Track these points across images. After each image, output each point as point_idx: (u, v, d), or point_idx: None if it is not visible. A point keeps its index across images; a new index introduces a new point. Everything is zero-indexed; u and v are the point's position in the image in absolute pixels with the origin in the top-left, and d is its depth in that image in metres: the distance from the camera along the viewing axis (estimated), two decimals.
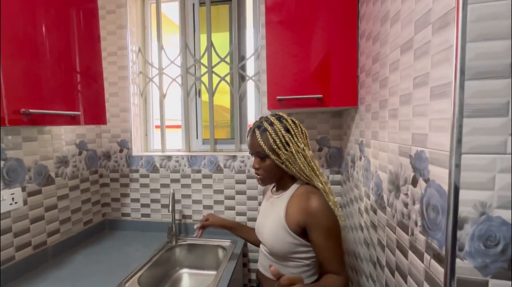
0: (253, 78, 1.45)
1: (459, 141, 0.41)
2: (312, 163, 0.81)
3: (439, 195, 0.46)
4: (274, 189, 0.91)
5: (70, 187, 1.31)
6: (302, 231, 0.76)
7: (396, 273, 0.64)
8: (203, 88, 1.53)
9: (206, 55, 1.49)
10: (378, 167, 0.77)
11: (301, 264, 0.79)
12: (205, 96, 1.55)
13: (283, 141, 0.77)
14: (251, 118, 1.51)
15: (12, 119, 0.75)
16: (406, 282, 0.59)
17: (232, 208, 1.42)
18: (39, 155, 1.15)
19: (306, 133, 0.85)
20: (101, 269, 1.11)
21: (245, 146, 1.50)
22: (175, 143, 1.62)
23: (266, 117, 0.83)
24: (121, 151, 1.51)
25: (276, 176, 0.84)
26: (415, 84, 0.54)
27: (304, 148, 0.80)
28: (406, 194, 0.58)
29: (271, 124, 0.79)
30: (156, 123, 1.63)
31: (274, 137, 0.77)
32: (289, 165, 0.79)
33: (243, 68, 1.48)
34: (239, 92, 1.48)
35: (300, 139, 0.80)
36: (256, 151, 0.81)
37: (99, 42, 1.12)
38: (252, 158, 1.35)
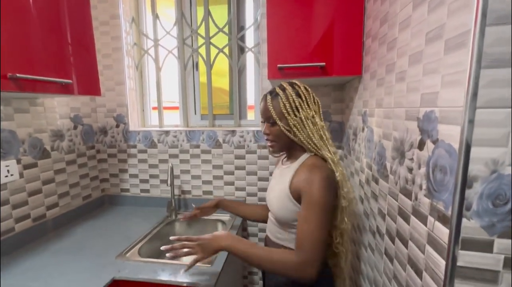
0: (252, 49, 1.39)
1: (475, 94, 0.38)
2: (322, 132, 0.78)
3: (448, 155, 0.43)
4: (285, 159, 0.89)
5: (67, 161, 1.29)
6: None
7: (396, 240, 0.64)
8: (200, 61, 1.47)
9: (203, 25, 1.42)
10: (381, 136, 0.74)
11: None
12: (203, 77, 1.49)
13: (293, 106, 0.75)
14: (251, 92, 1.47)
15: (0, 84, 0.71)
16: (406, 247, 0.58)
17: (231, 183, 1.41)
18: (33, 128, 1.12)
19: (319, 102, 0.81)
20: (101, 241, 1.12)
21: (244, 122, 1.47)
22: (173, 122, 1.58)
23: (280, 84, 0.80)
24: (117, 126, 1.48)
25: (286, 144, 0.81)
26: (428, 40, 0.50)
27: (315, 115, 0.77)
28: (411, 159, 0.56)
29: (283, 89, 0.77)
30: (153, 105, 1.58)
31: (285, 102, 0.75)
32: (297, 132, 0.76)
33: (242, 39, 1.42)
34: (238, 65, 1.42)
35: (311, 106, 0.77)
36: (266, 117, 0.79)
37: (89, 8, 1.05)
38: (249, 133, 1.33)
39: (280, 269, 0.68)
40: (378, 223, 0.77)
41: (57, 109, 1.23)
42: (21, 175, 1.06)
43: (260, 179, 1.38)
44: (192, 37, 1.47)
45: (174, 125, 1.56)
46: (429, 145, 0.49)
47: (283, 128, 0.77)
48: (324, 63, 0.92)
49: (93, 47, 1.07)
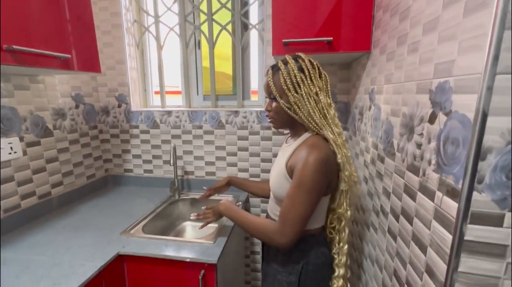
0: (256, 26, 1.34)
1: (496, 58, 0.36)
2: (325, 111, 0.74)
3: (461, 125, 0.41)
4: (289, 137, 0.87)
5: (70, 140, 1.29)
6: None
7: (401, 217, 0.63)
8: (203, 39, 1.43)
9: (205, 1, 1.36)
10: (389, 113, 0.72)
11: None
12: (205, 62, 1.45)
13: (294, 81, 0.71)
14: (254, 72, 1.43)
15: None
16: (411, 224, 0.57)
17: (234, 165, 1.41)
18: (34, 106, 1.11)
19: (327, 77, 0.76)
20: (106, 219, 1.13)
21: (247, 102, 1.44)
22: (175, 104, 1.56)
23: (284, 57, 0.76)
24: (119, 106, 1.46)
25: (287, 121, 0.78)
26: (445, 4, 0.46)
27: (319, 92, 0.72)
28: (421, 134, 0.54)
29: (286, 63, 0.73)
30: (155, 89, 1.55)
31: (285, 77, 0.71)
32: (298, 109, 0.72)
33: (246, 15, 1.36)
34: (242, 43, 1.38)
35: (315, 82, 0.72)
36: (268, 93, 0.77)
37: None
38: (253, 114, 1.31)
39: (259, 234, 0.75)
40: (382, 202, 0.76)
41: (57, 87, 1.22)
42: (24, 153, 1.07)
43: (263, 160, 1.37)
44: (194, 13, 1.41)
45: (177, 105, 1.53)
46: (441, 117, 0.47)
47: (283, 105, 0.74)
48: (331, 38, 0.88)
49: (92, 22, 1.03)
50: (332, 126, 0.74)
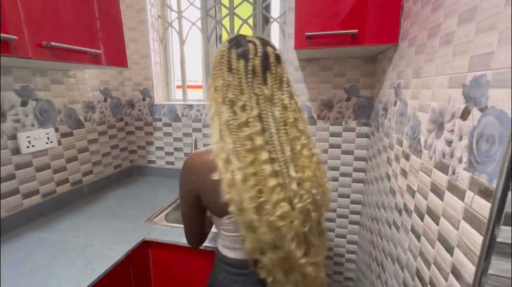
0: (278, 20, 1.32)
1: None
2: (224, 107, 0.55)
3: (498, 122, 0.39)
4: None
5: (99, 132, 1.36)
6: None
7: (426, 217, 0.61)
8: (224, 33, 1.43)
9: None
10: (417, 109, 0.69)
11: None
12: None
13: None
14: None
15: (35, 51, 0.74)
16: (437, 223, 0.55)
17: None
18: (67, 99, 1.18)
19: (256, 63, 0.56)
20: (131, 207, 1.19)
21: None
22: (196, 98, 1.59)
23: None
24: (143, 99, 1.52)
25: None
26: None
27: (220, 86, 0.57)
28: (452, 131, 0.52)
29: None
30: (177, 83, 1.59)
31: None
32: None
33: (267, 8, 1.35)
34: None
35: (224, 71, 0.57)
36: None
37: None
38: None
39: None
40: (406, 200, 0.74)
41: (87, 82, 1.28)
42: (59, 143, 1.15)
43: None
44: (215, 7, 1.42)
45: (197, 99, 1.57)
46: (475, 113, 0.45)
47: None
48: (356, 30, 0.85)
49: (120, 18, 1.07)
50: (222, 131, 0.55)
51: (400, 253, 0.76)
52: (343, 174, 1.32)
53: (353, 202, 1.35)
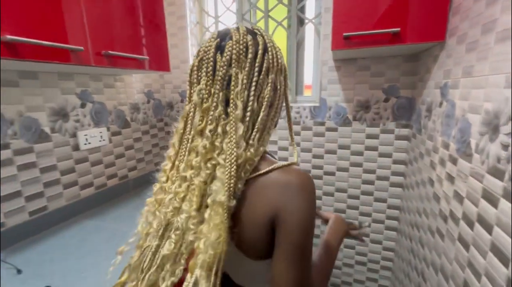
0: (313, 20, 1.32)
1: None
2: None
3: None
4: None
5: (142, 131, 1.48)
6: None
7: (477, 225, 0.57)
8: None
9: None
10: (466, 110, 0.65)
11: None
12: None
13: None
14: (309, 67, 1.41)
15: (96, 59, 0.83)
16: (490, 233, 0.52)
17: (285, 159, 1.43)
18: (117, 101, 1.30)
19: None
20: None
21: (301, 97, 1.44)
22: None
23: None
24: (182, 101, 1.61)
25: None
26: None
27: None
28: (508, 134, 0.48)
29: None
30: None
31: None
32: None
33: (302, 10, 1.35)
34: (297, 38, 1.37)
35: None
36: None
37: None
38: (306, 110, 1.30)
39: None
40: (452, 207, 0.70)
41: (134, 85, 1.40)
42: (110, 141, 1.27)
43: (314, 156, 1.36)
44: (251, 11, 1.46)
45: None
46: None
47: None
48: (398, 29, 0.82)
49: (164, 26, 1.15)
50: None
51: (445, 263, 0.72)
52: (379, 178, 1.27)
53: (390, 207, 1.29)
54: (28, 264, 0.82)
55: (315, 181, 1.39)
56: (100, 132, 1.20)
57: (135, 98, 1.41)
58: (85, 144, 1.14)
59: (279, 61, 0.50)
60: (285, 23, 1.38)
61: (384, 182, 1.27)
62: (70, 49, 0.74)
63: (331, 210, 1.40)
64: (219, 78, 0.46)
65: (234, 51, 0.45)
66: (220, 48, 0.47)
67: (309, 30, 1.37)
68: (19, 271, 0.79)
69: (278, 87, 0.50)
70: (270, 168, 0.46)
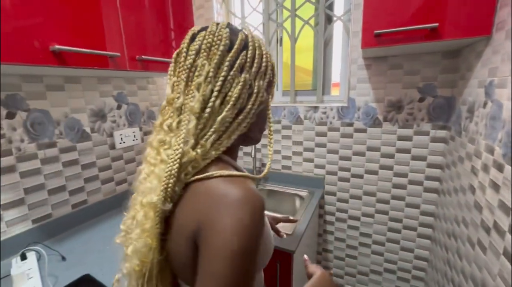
0: (342, 18, 1.28)
1: None
2: None
3: None
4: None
5: None
6: None
7: None
8: (285, 35, 1.45)
9: None
10: None
11: None
12: (286, 55, 1.48)
13: None
14: (337, 66, 1.37)
15: (131, 64, 0.89)
16: None
17: (311, 160, 1.41)
18: (149, 102, 1.37)
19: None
20: None
21: (327, 97, 1.41)
22: None
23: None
24: None
25: None
26: None
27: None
28: None
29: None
30: None
31: None
32: None
33: (330, 7, 1.31)
34: (325, 36, 1.34)
35: None
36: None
37: None
38: (333, 110, 1.27)
39: None
40: (496, 218, 0.64)
41: (165, 87, 1.47)
42: (142, 140, 1.34)
43: (341, 158, 1.32)
44: (277, 11, 1.45)
45: None
46: None
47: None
48: (436, 24, 0.76)
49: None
50: None
51: (487, 278, 0.66)
52: (412, 182, 1.20)
53: (424, 213, 1.21)
54: (71, 252, 0.90)
55: (342, 184, 1.35)
56: (134, 132, 1.28)
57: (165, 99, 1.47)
58: (120, 143, 1.22)
59: (262, 64, 0.45)
60: (312, 21, 1.36)
61: (417, 187, 1.20)
62: (108, 55, 0.80)
63: (359, 214, 1.35)
64: (185, 67, 0.43)
65: (204, 41, 0.42)
66: (193, 38, 0.45)
67: (337, 27, 1.33)
68: (63, 258, 0.87)
69: (255, 91, 0.44)
70: (210, 173, 0.40)
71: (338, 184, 1.37)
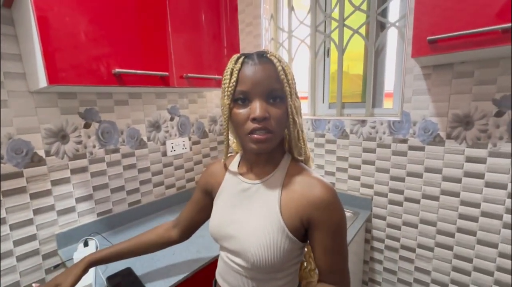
0: (396, 24, 1.16)
1: None
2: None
3: None
4: (241, 167, 0.62)
5: (218, 141, 1.63)
6: (304, 231, 0.54)
7: None
8: (332, 47, 1.40)
9: (338, 7, 1.33)
10: None
11: (291, 271, 0.57)
12: (333, 65, 1.42)
13: (293, 80, 0.54)
14: (390, 76, 1.25)
15: (178, 82, 0.99)
16: None
17: (357, 179, 1.29)
18: (198, 114, 1.49)
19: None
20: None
21: (378, 110, 1.28)
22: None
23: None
24: None
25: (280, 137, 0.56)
26: None
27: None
28: None
29: (277, 57, 0.52)
30: None
31: (292, 72, 0.53)
32: (297, 119, 0.54)
33: (383, 14, 1.21)
34: (376, 45, 1.24)
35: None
36: (271, 89, 0.50)
37: (237, 15, 1.24)
38: (383, 124, 1.14)
39: None
40: None
41: (214, 100, 1.58)
42: (190, 149, 1.46)
43: (393, 178, 1.18)
44: (325, 22, 1.41)
45: (303, 113, 1.59)
46: None
47: (293, 109, 0.52)
48: (510, 24, 0.62)
49: (238, 46, 1.26)
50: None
51: None
52: (486, 214, 0.98)
53: (503, 255, 0.97)
54: None
55: (393, 207, 1.20)
56: (183, 141, 1.40)
57: (213, 112, 1.58)
58: (171, 151, 1.35)
59: (226, 77, 0.56)
60: (362, 30, 1.28)
61: (493, 221, 0.97)
62: (159, 75, 0.91)
63: (414, 244, 1.16)
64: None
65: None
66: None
67: (391, 34, 1.22)
68: None
69: (221, 107, 0.57)
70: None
71: (388, 207, 1.22)
